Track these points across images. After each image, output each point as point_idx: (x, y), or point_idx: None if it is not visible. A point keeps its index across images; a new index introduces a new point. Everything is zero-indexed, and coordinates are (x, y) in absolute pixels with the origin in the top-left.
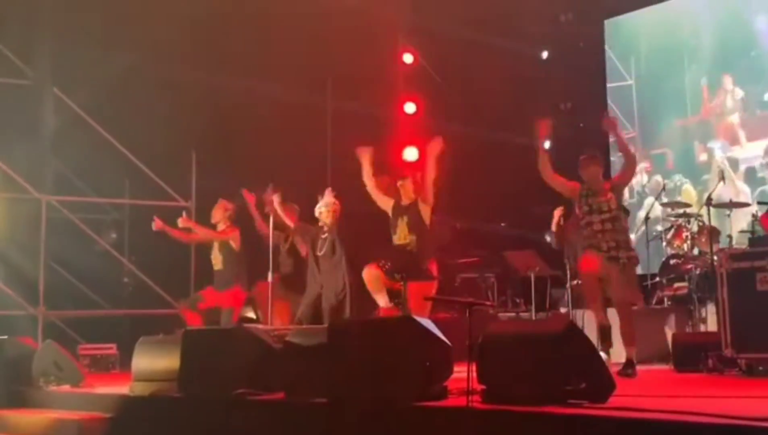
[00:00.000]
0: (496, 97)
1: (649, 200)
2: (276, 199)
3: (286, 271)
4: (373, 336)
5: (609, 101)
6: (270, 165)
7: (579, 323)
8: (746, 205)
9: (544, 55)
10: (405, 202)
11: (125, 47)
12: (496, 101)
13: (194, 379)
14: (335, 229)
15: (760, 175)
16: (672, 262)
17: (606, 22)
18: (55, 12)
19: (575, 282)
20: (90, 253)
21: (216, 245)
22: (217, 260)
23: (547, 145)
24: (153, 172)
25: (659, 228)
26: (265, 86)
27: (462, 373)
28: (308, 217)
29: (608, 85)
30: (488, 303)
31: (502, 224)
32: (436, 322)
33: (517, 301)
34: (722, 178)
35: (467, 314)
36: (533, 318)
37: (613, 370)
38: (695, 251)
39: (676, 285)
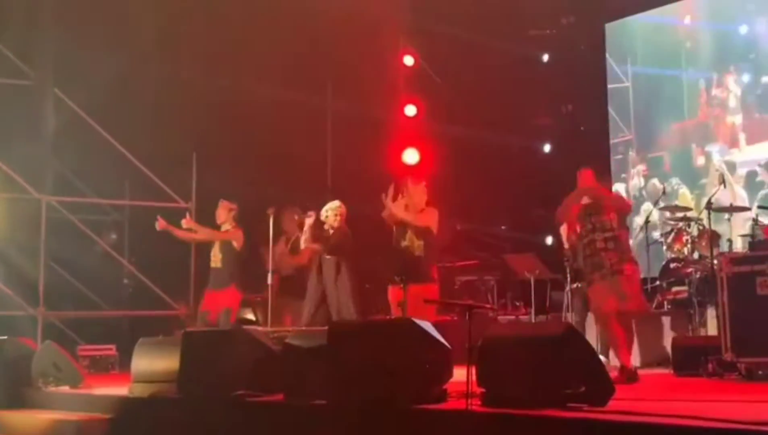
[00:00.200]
0: (497, 100)
1: (647, 206)
2: (309, 222)
3: (286, 273)
4: (372, 338)
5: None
6: (270, 166)
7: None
8: (746, 209)
9: (545, 57)
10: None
11: (125, 47)
12: (496, 104)
13: (194, 381)
14: (340, 232)
15: (759, 178)
16: (672, 265)
17: (606, 25)
18: (55, 12)
19: (575, 285)
20: (90, 254)
21: (218, 243)
22: (216, 258)
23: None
24: (153, 172)
25: (658, 232)
26: (266, 88)
27: (461, 375)
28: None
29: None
30: (488, 306)
31: (502, 227)
32: (435, 324)
33: (517, 304)
34: (722, 181)
35: (467, 317)
36: (533, 321)
37: (613, 374)
38: (695, 255)
39: (676, 289)
